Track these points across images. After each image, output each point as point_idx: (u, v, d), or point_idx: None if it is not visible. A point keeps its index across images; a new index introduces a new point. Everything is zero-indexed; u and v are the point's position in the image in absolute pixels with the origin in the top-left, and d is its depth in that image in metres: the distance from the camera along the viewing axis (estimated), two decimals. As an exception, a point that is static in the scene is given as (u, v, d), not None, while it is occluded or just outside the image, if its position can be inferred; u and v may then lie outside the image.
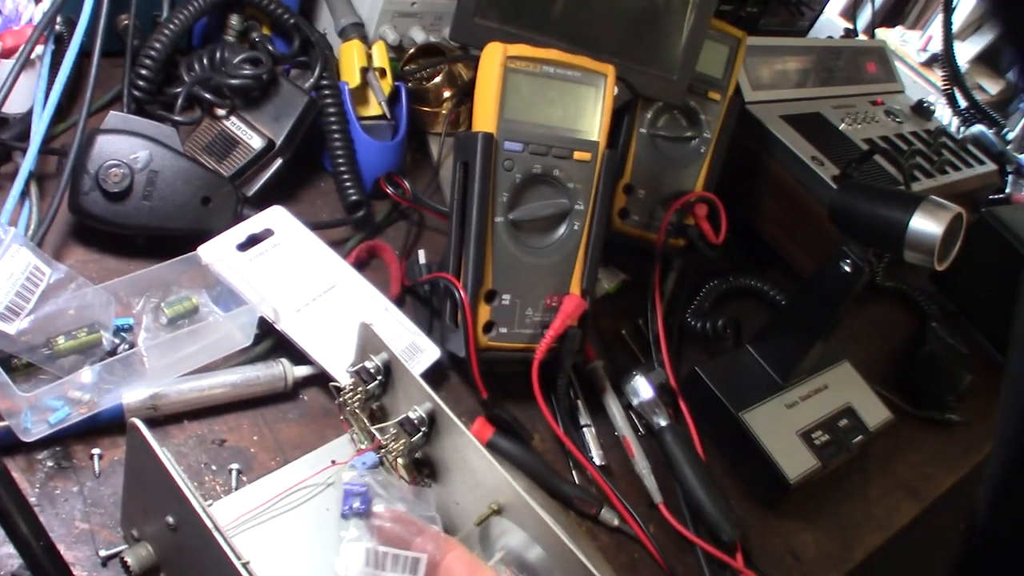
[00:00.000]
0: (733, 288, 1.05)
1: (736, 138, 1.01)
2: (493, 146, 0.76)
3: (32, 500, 0.63)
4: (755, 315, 1.04)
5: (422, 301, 0.87)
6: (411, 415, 0.65)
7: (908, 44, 1.92)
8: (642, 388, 0.87)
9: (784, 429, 0.88)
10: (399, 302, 0.86)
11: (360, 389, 0.66)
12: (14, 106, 0.81)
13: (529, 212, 0.79)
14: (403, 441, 0.64)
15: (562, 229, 0.81)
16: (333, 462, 0.72)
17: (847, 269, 0.84)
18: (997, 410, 0.57)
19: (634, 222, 0.97)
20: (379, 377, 0.67)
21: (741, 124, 1.04)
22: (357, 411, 0.68)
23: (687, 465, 0.84)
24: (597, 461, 0.82)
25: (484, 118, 0.77)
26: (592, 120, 0.81)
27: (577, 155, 0.80)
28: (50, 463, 0.66)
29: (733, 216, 0.98)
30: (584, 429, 0.84)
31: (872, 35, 1.61)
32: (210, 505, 0.67)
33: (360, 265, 0.88)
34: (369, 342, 0.68)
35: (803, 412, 0.90)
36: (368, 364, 0.67)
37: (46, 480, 0.65)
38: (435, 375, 0.83)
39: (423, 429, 0.65)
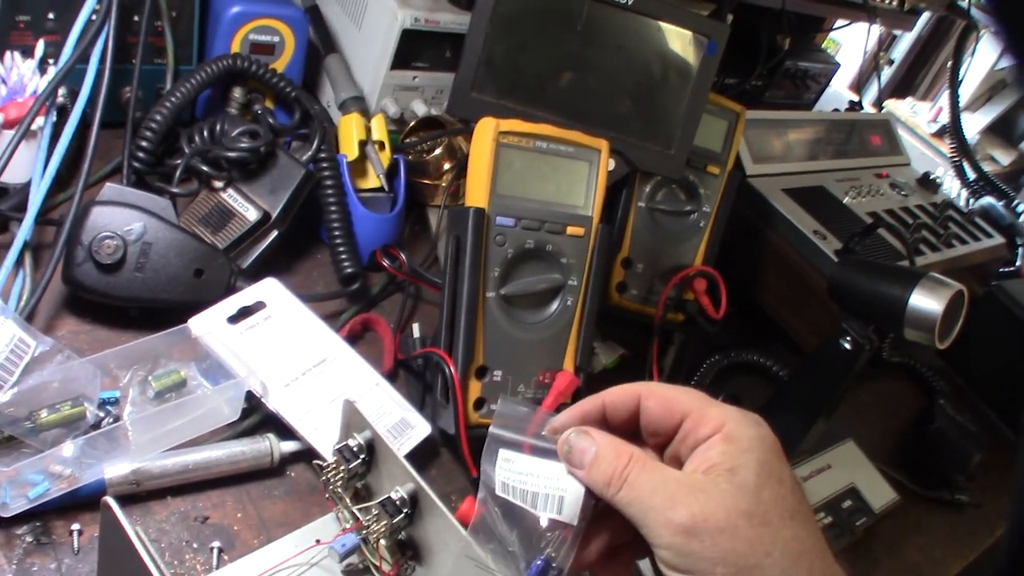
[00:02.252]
0: (734, 363, 1.03)
1: (737, 211, 1.00)
2: (485, 221, 0.76)
3: (7, 577, 0.63)
4: (757, 391, 1.02)
5: (416, 375, 0.87)
6: (393, 496, 0.63)
7: (919, 115, 1.92)
8: (638, 466, 0.85)
9: (784, 510, 0.86)
10: (392, 377, 0.85)
11: (343, 468, 0.65)
12: (14, 176, 0.82)
13: (521, 287, 0.78)
14: (385, 523, 0.63)
15: (555, 304, 0.80)
16: (318, 541, 0.70)
17: (847, 347, 0.83)
18: (1009, 494, 0.55)
19: (632, 296, 0.96)
20: (362, 455, 0.66)
21: (742, 197, 1.03)
22: (340, 490, 0.66)
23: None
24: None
25: (476, 193, 0.77)
26: (586, 195, 0.81)
27: (570, 230, 0.79)
28: (29, 538, 0.65)
29: (734, 290, 0.97)
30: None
31: (880, 107, 1.62)
32: (187, 586, 0.66)
33: (354, 338, 0.87)
34: (353, 419, 0.67)
35: (806, 493, 0.88)
36: (351, 442, 0.66)
37: (24, 556, 0.64)
38: (426, 452, 0.82)
39: (405, 510, 0.63)
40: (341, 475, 0.66)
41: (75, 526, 0.66)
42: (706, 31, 0.88)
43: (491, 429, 0.57)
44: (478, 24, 0.81)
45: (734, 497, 0.47)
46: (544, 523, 0.54)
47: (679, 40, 0.88)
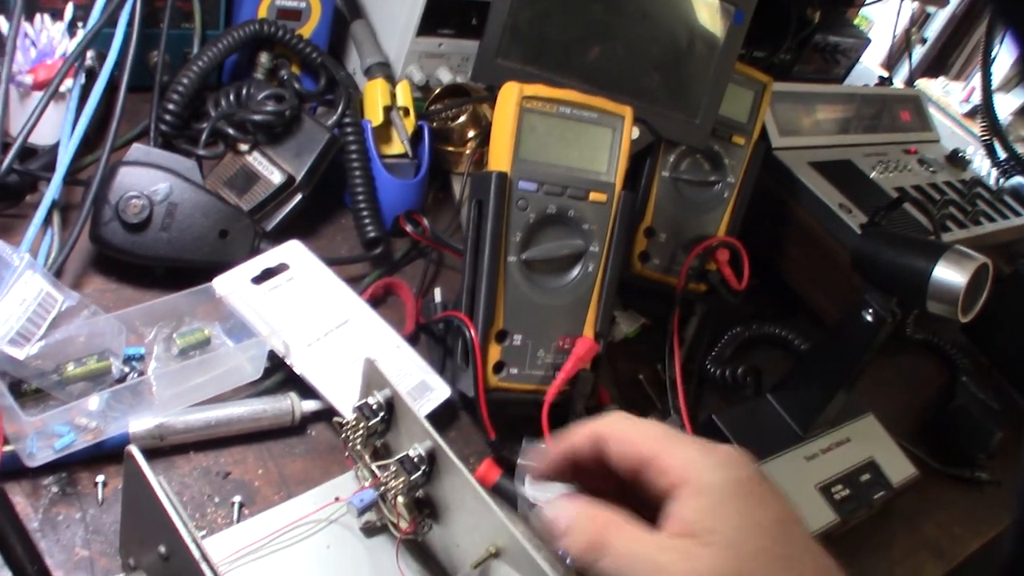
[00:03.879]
0: (756, 336, 1.03)
1: (762, 184, 1.00)
2: (507, 185, 0.76)
3: (34, 526, 0.64)
4: (779, 364, 1.02)
5: (436, 340, 0.87)
6: (411, 453, 0.64)
7: (951, 95, 1.90)
8: (656, 434, 0.86)
9: (803, 482, 0.86)
10: (413, 340, 0.86)
11: (362, 425, 0.66)
12: (43, 137, 0.83)
13: (543, 252, 0.79)
14: (403, 479, 0.64)
15: (576, 270, 0.80)
16: (337, 499, 0.71)
17: (869, 319, 0.82)
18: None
19: (654, 266, 0.96)
20: (381, 414, 0.66)
21: (767, 170, 1.03)
22: (359, 447, 0.67)
23: (700, 515, 0.82)
24: (607, 507, 0.81)
25: (499, 157, 0.77)
26: (609, 161, 0.80)
27: (592, 196, 0.79)
28: (54, 489, 0.66)
29: (757, 262, 0.97)
30: (595, 474, 0.82)
31: (912, 86, 1.60)
32: (205, 536, 0.67)
33: (376, 302, 0.88)
34: (373, 378, 0.68)
35: (823, 465, 0.88)
36: (371, 400, 0.66)
37: (49, 506, 0.65)
38: (446, 415, 0.82)
39: (423, 468, 0.64)
40: (360, 432, 0.66)
41: (100, 478, 0.67)
42: (733, 0, 0.87)
43: (519, 460, 0.64)
44: (504, -11, 0.81)
45: (714, 560, 0.44)
46: None
47: (706, 9, 0.87)
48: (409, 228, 0.93)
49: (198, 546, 0.54)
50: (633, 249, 0.96)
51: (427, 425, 0.64)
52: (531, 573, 0.61)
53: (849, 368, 0.85)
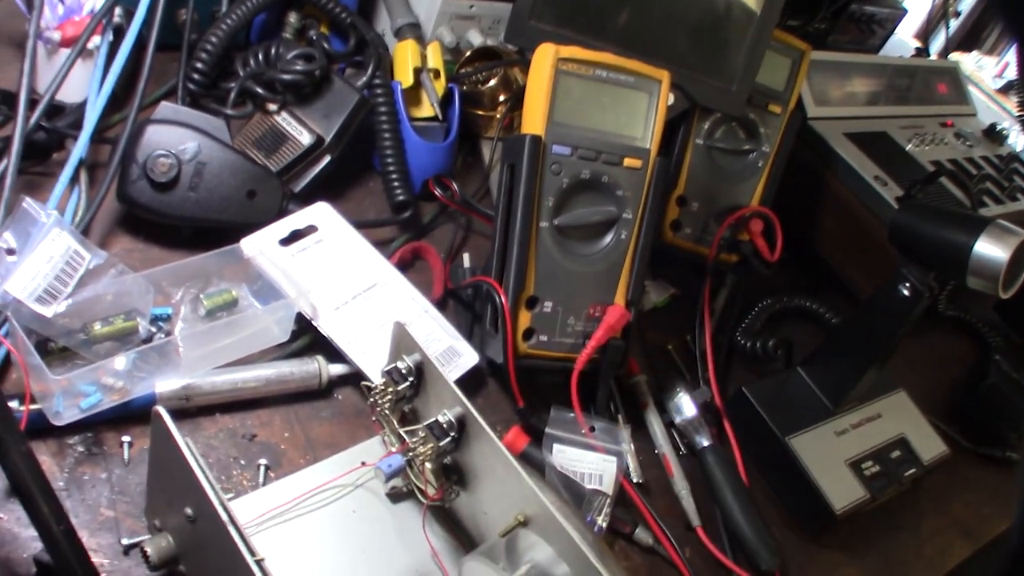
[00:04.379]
0: (787, 308, 1.01)
1: (797, 154, 0.98)
2: (541, 149, 0.74)
3: (60, 485, 0.63)
4: (809, 338, 1.00)
5: (464, 305, 0.86)
6: (440, 419, 0.63)
7: (984, 70, 1.86)
8: (685, 406, 0.85)
9: (832, 457, 0.84)
10: (441, 305, 0.85)
11: (391, 390, 0.65)
12: (71, 95, 0.82)
13: (575, 218, 0.77)
14: (431, 445, 0.63)
15: (609, 237, 0.79)
16: (363, 463, 0.71)
17: (906, 293, 0.81)
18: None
19: (686, 235, 0.95)
20: (410, 378, 0.65)
21: (802, 140, 1.01)
22: (387, 412, 0.66)
23: (728, 488, 0.81)
24: (635, 478, 0.80)
25: (533, 120, 0.75)
26: (644, 126, 0.79)
27: (627, 162, 0.78)
28: (80, 448, 0.66)
29: (790, 234, 0.95)
30: (623, 444, 0.81)
31: (946, 59, 1.56)
32: (232, 499, 0.66)
33: (404, 266, 0.87)
34: (402, 342, 0.67)
35: (853, 441, 0.87)
36: (400, 364, 0.65)
37: (75, 465, 0.65)
38: (473, 381, 0.81)
39: (452, 434, 0.63)
40: (389, 397, 0.65)
41: (126, 438, 0.67)
42: (774, -38, 0.85)
43: (547, 430, 0.77)
44: (540, -51, 0.79)
45: None
46: (588, 490, 0.74)
47: (746, -29, 0.85)
48: (438, 192, 0.92)
49: (226, 509, 0.53)
50: (665, 218, 0.94)
51: (457, 391, 0.63)
52: (559, 542, 0.60)
53: (883, 343, 0.84)
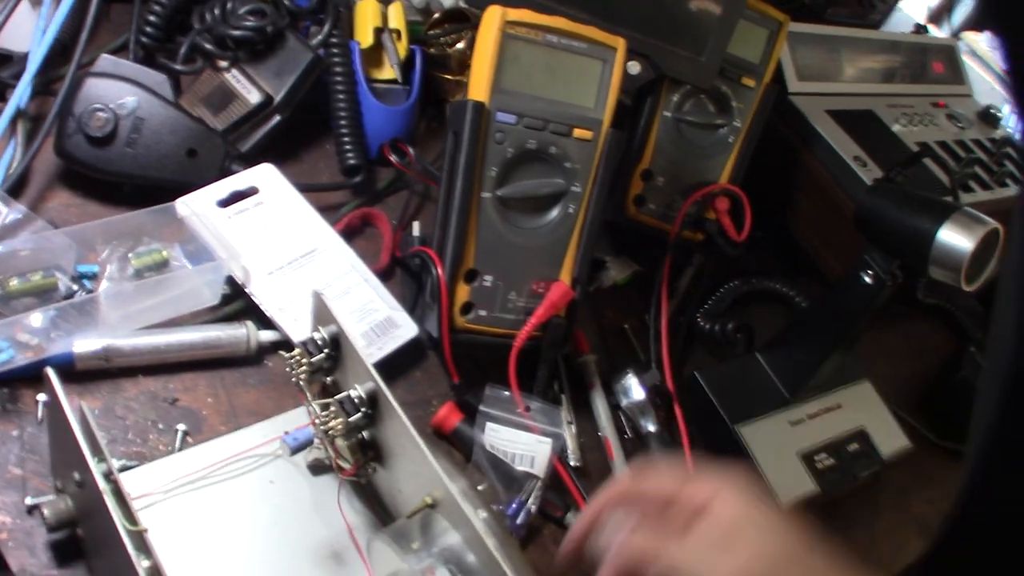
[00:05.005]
0: (755, 291, 0.98)
1: (773, 130, 0.94)
2: (484, 116, 0.72)
3: (-32, 440, 0.63)
4: (775, 321, 0.96)
5: (412, 275, 0.84)
6: (352, 394, 0.61)
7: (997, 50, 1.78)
8: (633, 388, 0.82)
9: (784, 447, 0.82)
10: (386, 275, 0.83)
11: (304, 361, 0.63)
12: (18, 44, 0.80)
13: (520, 190, 0.74)
14: (340, 420, 0.61)
15: (555, 211, 0.76)
16: (286, 433, 0.69)
17: (868, 281, 0.77)
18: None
19: (650, 211, 0.91)
20: (326, 350, 0.63)
21: (780, 115, 0.97)
22: (302, 383, 0.64)
23: (670, 475, 0.78)
24: (572, 461, 0.77)
25: (477, 86, 0.72)
26: (597, 96, 0.75)
27: (577, 133, 0.74)
28: (-6, 404, 0.65)
29: (763, 214, 0.91)
30: (561, 426, 0.79)
31: (957, 38, 1.50)
32: (141, 464, 0.65)
33: (352, 233, 0.85)
34: (321, 312, 0.65)
35: (809, 431, 0.84)
36: (316, 335, 0.64)
37: (-13, 421, 0.64)
38: (412, 355, 0.79)
39: (363, 410, 0.61)
40: (304, 368, 0.64)
41: (41, 396, 0.66)
42: (747, -73, 0.81)
43: (480, 407, 0.75)
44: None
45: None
46: (519, 472, 0.73)
47: (717, -65, 0.81)
48: (393, 158, 0.89)
49: (108, 478, 0.52)
50: (628, 192, 0.91)
51: (370, 366, 0.61)
52: (464, 529, 0.59)
53: (844, 330, 0.80)
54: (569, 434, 0.78)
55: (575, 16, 0.75)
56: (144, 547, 0.53)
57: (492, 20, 0.71)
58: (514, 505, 0.71)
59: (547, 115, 0.73)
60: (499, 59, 0.72)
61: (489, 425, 0.74)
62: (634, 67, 0.84)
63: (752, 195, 0.91)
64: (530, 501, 0.72)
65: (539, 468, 0.73)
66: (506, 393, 0.75)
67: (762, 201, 0.91)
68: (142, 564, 0.53)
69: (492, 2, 0.73)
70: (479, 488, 0.72)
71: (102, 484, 0.51)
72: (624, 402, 0.82)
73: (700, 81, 0.86)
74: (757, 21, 0.91)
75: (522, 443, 0.74)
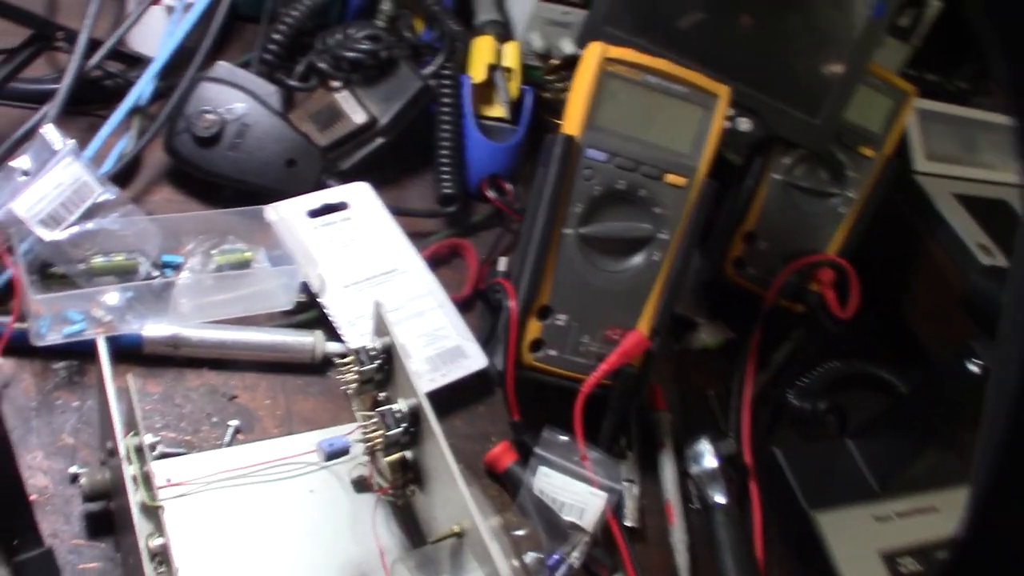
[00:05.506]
0: (857, 374, 0.91)
1: (891, 206, 0.88)
2: (574, 150, 0.70)
3: (32, 404, 0.64)
4: (874, 409, 0.89)
5: (492, 310, 0.82)
6: (394, 407, 0.60)
7: None
8: (706, 455, 0.77)
9: (864, 543, 0.74)
10: (467, 307, 0.82)
11: (354, 369, 0.62)
12: (151, 49, 0.85)
13: (604, 230, 0.72)
14: (380, 432, 0.59)
15: (639, 256, 0.73)
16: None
17: (974, 370, 0.71)
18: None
19: (749, 275, 0.87)
20: (378, 361, 0.62)
21: (901, 192, 0.91)
22: (350, 391, 0.63)
23: (731, 553, 0.73)
24: (628, 521, 0.73)
25: (571, 120, 0.71)
26: (694, 143, 0.73)
27: (670, 178, 0.72)
28: (63, 374, 0.67)
29: (871, 293, 0.86)
30: (624, 483, 0.75)
31: None
32: (188, 452, 0.65)
33: (438, 261, 0.84)
34: (379, 323, 0.64)
35: (895, 531, 0.76)
36: (370, 345, 0.63)
37: (53, 389, 0.66)
38: (480, 387, 0.77)
39: (404, 425, 0.59)
40: (353, 376, 0.63)
41: (109, 375, 0.67)
42: (876, -12, 0.77)
43: (535, 449, 0.72)
44: (622, -48, 0.76)
45: None
46: (565, 523, 0.69)
47: (843, -5, 0.78)
48: (492, 193, 0.89)
49: (136, 452, 0.52)
50: (728, 253, 0.87)
51: (415, 382, 0.60)
52: (487, 566, 0.55)
53: (943, 423, 0.73)
54: (629, 492, 0.74)
55: (682, 61, 0.73)
56: (158, 524, 0.53)
57: (592, 55, 0.70)
58: (555, 556, 0.67)
59: (640, 156, 0.71)
60: (595, 95, 0.70)
61: (542, 469, 0.71)
62: (744, 123, 0.81)
63: (861, 271, 0.85)
64: (573, 555, 0.68)
65: (588, 522, 0.69)
66: (564, 438, 0.72)
67: (871, 279, 0.86)
68: (153, 541, 0.52)
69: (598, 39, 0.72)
70: (519, 532, 0.68)
71: (123, 452, 0.51)
72: (694, 469, 0.77)
73: (813, 144, 0.82)
74: (881, 89, 0.87)
75: (574, 492, 0.70)
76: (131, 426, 0.58)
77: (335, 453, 0.61)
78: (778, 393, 0.87)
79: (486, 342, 0.78)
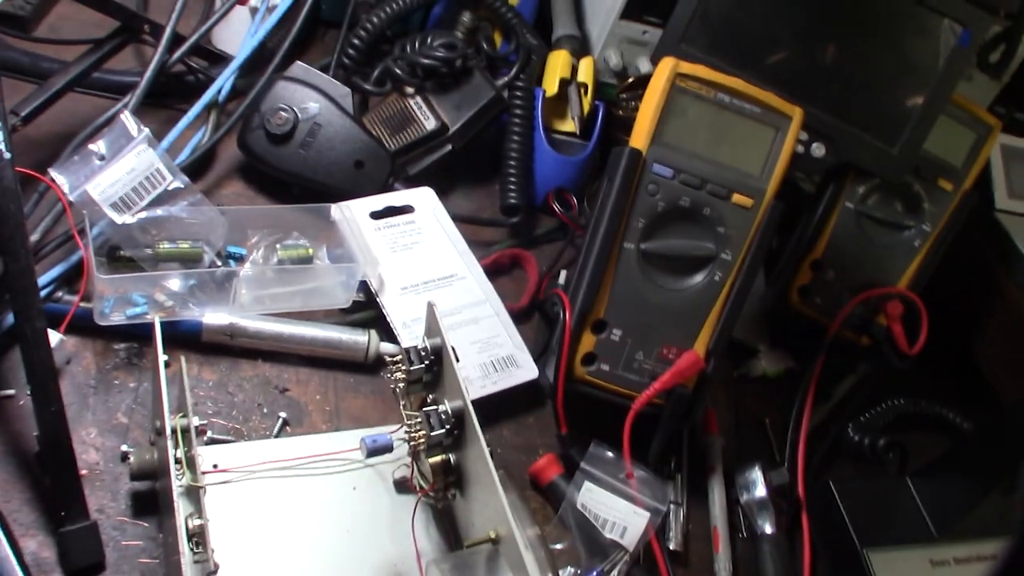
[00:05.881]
0: (921, 413, 0.88)
1: (968, 242, 0.85)
2: (640, 165, 0.70)
3: (91, 382, 0.66)
4: (935, 449, 0.86)
5: (548, 322, 0.82)
6: (439, 408, 0.60)
7: None
8: (757, 484, 0.75)
9: (918, 586, 0.72)
10: (524, 317, 0.82)
11: (403, 367, 0.62)
12: (234, 48, 0.87)
13: (665, 247, 0.71)
14: (423, 432, 0.59)
15: (700, 276, 0.72)
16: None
17: (1046, 414, 0.68)
18: None
19: (815, 304, 0.85)
20: (427, 362, 0.62)
21: (980, 229, 0.88)
22: (398, 390, 0.63)
23: (778, 585, 0.71)
24: (672, 544, 0.72)
25: (638, 134, 0.70)
26: (764, 164, 0.71)
27: (736, 198, 0.71)
28: (123, 355, 0.68)
29: (941, 330, 0.83)
30: (671, 505, 0.73)
31: None
32: (234, 441, 0.66)
33: (498, 271, 0.84)
34: (431, 323, 0.64)
35: (952, 576, 0.73)
36: (420, 345, 0.63)
37: (112, 369, 0.67)
38: (530, 399, 0.77)
39: (447, 427, 0.59)
40: (402, 374, 0.63)
41: (164, 357, 0.68)
42: (962, 17, 0.75)
43: (581, 464, 0.71)
44: (702, -29, 0.75)
45: None
46: (606, 540, 0.68)
47: (928, 23, 0.76)
48: (557, 207, 0.88)
49: (181, 433, 0.53)
50: (794, 281, 0.85)
51: (462, 383, 0.59)
52: (519, 571, 0.55)
53: (1009, 467, 0.70)
54: (674, 515, 0.73)
55: (756, 81, 0.72)
56: (198, 506, 0.54)
57: (664, 71, 0.70)
58: (594, 573, 0.66)
59: (706, 175, 0.70)
60: (665, 110, 0.70)
61: (587, 484, 0.70)
62: (819, 149, 0.79)
63: (932, 307, 0.83)
64: (612, 573, 0.67)
65: (629, 540, 0.68)
66: (610, 454, 0.71)
67: (942, 315, 0.83)
68: (193, 521, 0.53)
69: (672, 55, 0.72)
70: (558, 546, 0.67)
71: (168, 431, 0.52)
72: (744, 497, 0.75)
73: (889, 174, 0.80)
74: (964, 121, 0.84)
75: (617, 510, 0.69)
76: (180, 408, 0.59)
77: (377, 450, 0.61)
78: (837, 426, 0.84)
79: (540, 353, 0.78)
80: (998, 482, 0.72)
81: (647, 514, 0.69)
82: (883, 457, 0.81)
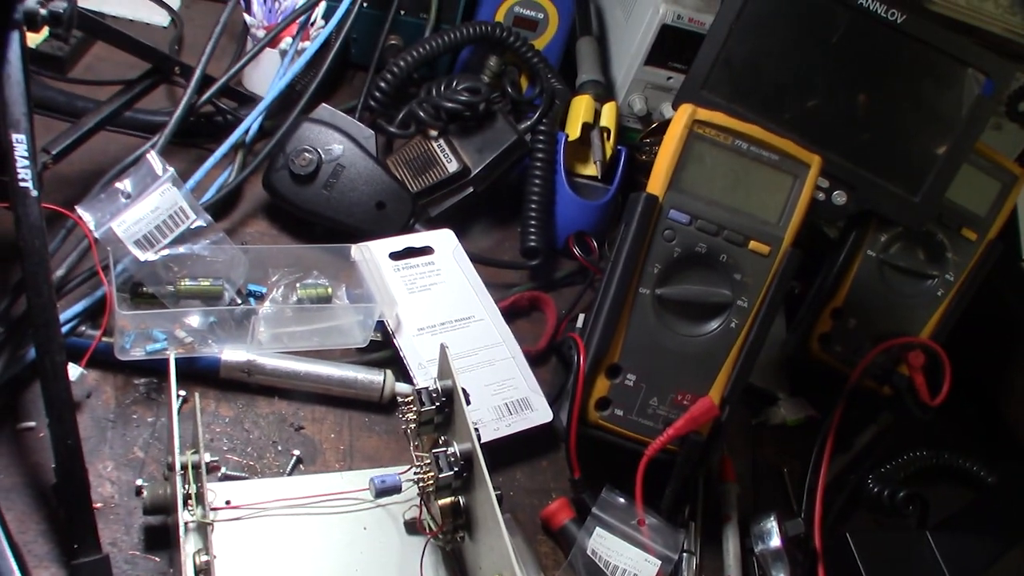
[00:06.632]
0: (944, 465, 0.86)
1: (994, 293, 0.84)
2: (656, 210, 0.70)
3: (110, 416, 0.67)
4: (957, 503, 0.84)
5: (564, 365, 0.82)
6: (449, 450, 0.60)
7: None
8: (773, 534, 0.74)
9: (937, 645, 0.70)
10: (541, 361, 0.82)
11: (415, 409, 0.63)
12: (264, 90, 0.89)
13: (681, 293, 0.71)
14: (432, 473, 0.59)
15: (716, 323, 0.72)
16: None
17: (1070, 472, 0.66)
18: None
19: (836, 353, 0.84)
20: (438, 403, 0.62)
21: (1007, 280, 0.87)
22: (409, 431, 0.64)
23: (790, 639, 0.69)
24: (683, 592, 0.71)
25: (655, 180, 0.70)
26: (782, 211, 0.71)
27: (753, 245, 0.71)
28: (142, 390, 0.69)
29: (964, 381, 0.82)
30: (684, 554, 0.72)
31: None
32: (248, 478, 0.67)
33: (517, 313, 0.85)
34: (443, 365, 0.64)
35: (974, 635, 0.72)
36: (432, 386, 0.63)
37: (131, 403, 0.68)
38: (544, 442, 0.77)
39: (456, 469, 0.59)
40: (412, 415, 0.63)
41: (181, 392, 0.70)
42: (985, 67, 0.75)
43: (593, 510, 0.71)
44: (723, 19, 0.76)
45: None
46: None
47: (951, 72, 0.76)
48: (577, 251, 0.89)
49: (192, 469, 0.54)
50: (815, 329, 0.85)
51: (471, 426, 0.60)
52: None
53: (1031, 525, 0.69)
54: (687, 564, 0.72)
55: (777, 128, 0.72)
56: (206, 542, 0.54)
57: (681, 117, 0.70)
58: None
59: (723, 221, 0.70)
60: (682, 157, 0.70)
61: (598, 530, 0.70)
62: (840, 197, 0.79)
63: (955, 358, 0.82)
64: None
65: None
66: (623, 500, 0.71)
67: (966, 367, 0.82)
68: (200, 557, 0.53)
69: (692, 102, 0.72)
70: (566, 593, 0.67)
71: (178, 466, 0.53)
72: (759, 547, 0.74)
73: (910, 222, 0.80)
74: (988, 171, 0.84)
75: (628, 557, 0.69)
76: (193, 444, 0.60)
77: (386, 490, 0.61)
78: (857, 477, 0.83)
79: (556, 397, 0.78)
80: (1021, 537, 0.70)
81: (658, 562, 0.68)
82: (903, 509, 0.79)
